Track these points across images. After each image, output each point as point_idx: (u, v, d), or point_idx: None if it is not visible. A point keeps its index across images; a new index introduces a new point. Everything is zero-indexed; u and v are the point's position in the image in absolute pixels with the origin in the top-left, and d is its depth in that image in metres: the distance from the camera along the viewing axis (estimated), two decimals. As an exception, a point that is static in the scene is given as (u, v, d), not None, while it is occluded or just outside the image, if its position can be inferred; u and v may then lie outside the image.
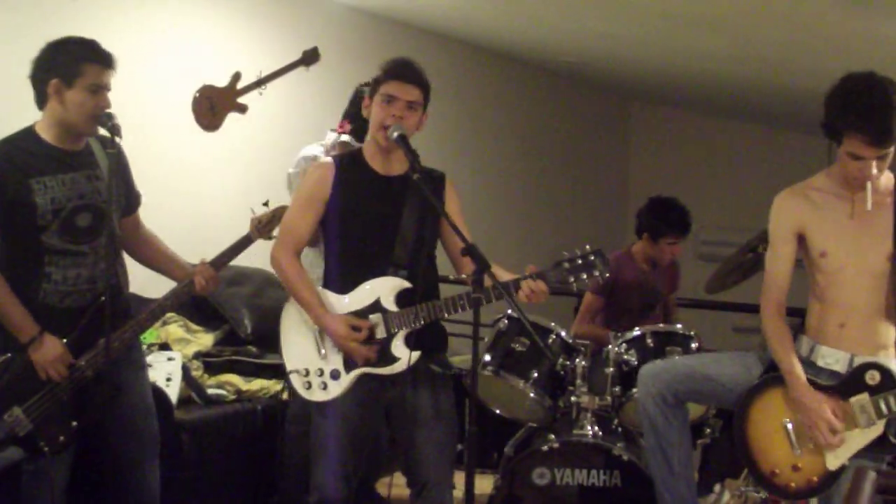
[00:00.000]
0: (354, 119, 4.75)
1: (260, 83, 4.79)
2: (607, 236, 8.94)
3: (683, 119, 10.86)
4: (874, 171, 3.47)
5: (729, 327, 5.21)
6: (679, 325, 4.95)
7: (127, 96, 3.83)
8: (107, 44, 3.72)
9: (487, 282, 3.38)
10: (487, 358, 4.70)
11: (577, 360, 4.69)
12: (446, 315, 3.71)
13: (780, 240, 3.73)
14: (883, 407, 3.51)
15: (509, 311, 4.70)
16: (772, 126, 10.29)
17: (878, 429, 3.53)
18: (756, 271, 4.60)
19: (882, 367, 3.53)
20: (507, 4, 6.90)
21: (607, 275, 3.62)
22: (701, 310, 6.46)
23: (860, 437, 3.56)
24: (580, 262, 3.59)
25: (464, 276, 3.65)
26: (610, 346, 4.73)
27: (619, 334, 4.84)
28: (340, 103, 5.06)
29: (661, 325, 4.98)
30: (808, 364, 3.71)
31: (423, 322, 3.68)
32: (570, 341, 4.79)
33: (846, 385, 3.59)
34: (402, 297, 3.73)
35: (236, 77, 4.76)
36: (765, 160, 10.05)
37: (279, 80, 4.87)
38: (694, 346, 4.76)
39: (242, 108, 4.79)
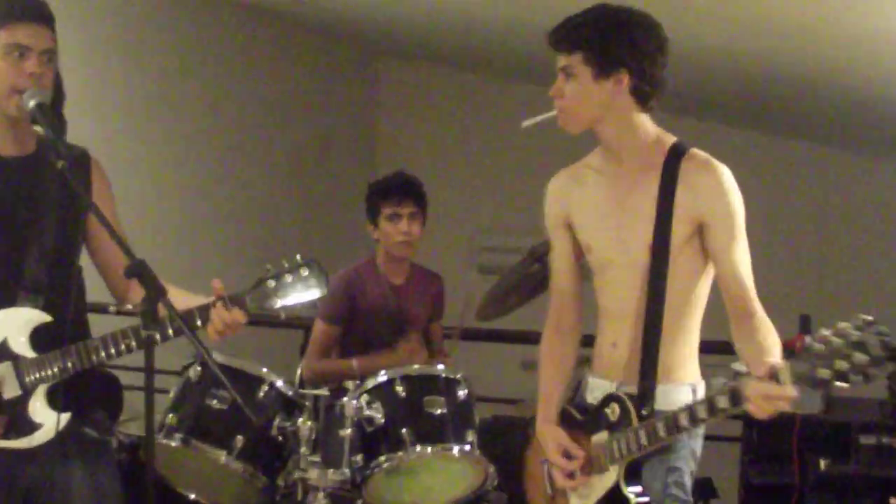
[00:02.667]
0: None
1: None
2: (354, 236, 7.94)
3: (446, 77, 10.17)
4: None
5: (516, 363, 4.70)
6: (441, 367, 4.42)
7: None
8: None
9: (163, 311, 2.94)
10: (173, 420, 4.09)
11: (301, 419, 4.08)
12: (106, 359, 3.17)
13: (552, 233, 3.54)
14: (615, 449, 3.26)
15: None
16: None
17: (611, 476, 3.28)
18: (545, 288, 4.10)
19: (623, 399, 3.26)
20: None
21: (325, 291, 3.23)
22: (478, 342, 5.81)
23: (599, 484, 3.34)
24: (289, 277, 3.20)
25: (129, 305, 3.27)
26: (345, 399, 4.15)
27: (358, 382, 4.29)
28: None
29: (415, 366, 4.42)
30: (582, 401, 3.54)
31: (72, 371, 3.14)
32: (290, 393, 4.19)
33: (590, 420, 3.37)
34: (41, 337, 3.19)
35: None
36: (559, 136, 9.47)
37: None
38: (462, 393, 4.25)
39: None
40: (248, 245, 7.83)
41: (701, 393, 3.33)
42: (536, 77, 9.27)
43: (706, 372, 3.35)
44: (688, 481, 3.32)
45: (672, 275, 3.24)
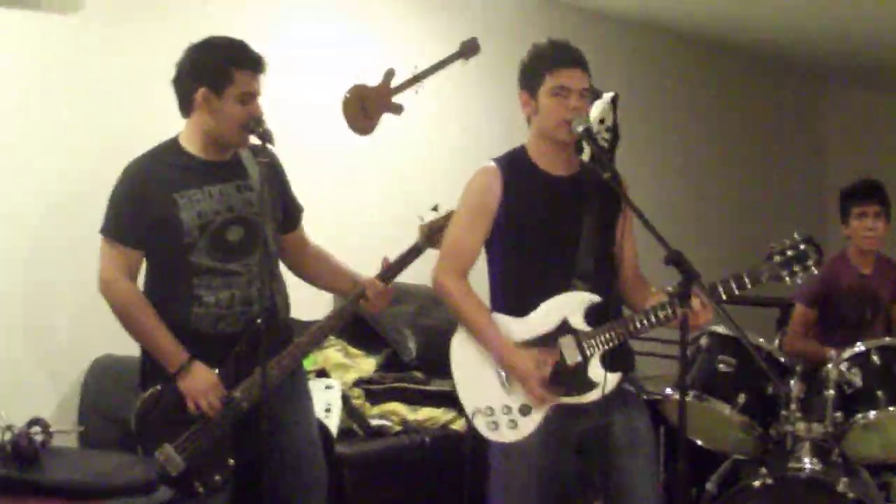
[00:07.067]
0: None
1: (415, 80, 4.75)
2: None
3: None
4: None
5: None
6: (909, 339, 4.67)
7: (266, 98, 3.76)
8: (248, 42, 3.72)
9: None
10: (687, 381, 4.53)
11: (791, 381, 4.50)
12: (643, 330, 3.61)
13: None
14: None
15: (710, 327, 4.61)
16: None
17: None
18: None
19: None
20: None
21: (820, 265, 3.52)
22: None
23: None
24: (790, 252, 3.51)
25: (668, 288, 3.51)
26: (829, 366, 4.54)
27: (839, 352, 4.64)
28: (503, 99, 4.83)
29: (887, 339, 4.69)
30: None
31: (618, 339, 3.59)
32: (782, 360, 4.63)
33: None
34: (591, 314, 3.62)
35: (389, 74, 4.71)
36: None
37: (436, 76, 4.81)
38: (928, 363, 4.49)
39: (398, 109, 4.76)
40: (724, 239, 8.65)
41: None
42: None
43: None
44: None
45: None
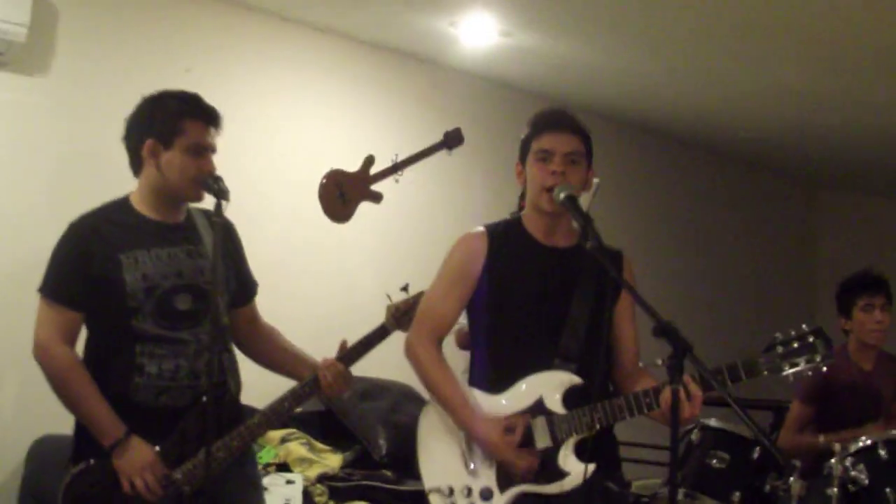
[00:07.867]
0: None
1: (396, 168, 4.63)
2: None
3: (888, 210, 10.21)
4: None
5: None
6: (916, 434, 4.47)
7: (244, 178, 3.61)
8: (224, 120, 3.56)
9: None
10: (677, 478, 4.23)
11: (791, 478, 4.31)
12: (631, 416, 3.32)
13: None
14: None
15: (701, 420, 4.48)
16: None
17: None
18: None
19: None
20: (668, 77, 6.68)
21: (830, 361, 3.25)
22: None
23: None
24: (797, 344, 3.25)
25: (658, 361, 3.11)
26: (833, 461, 4.33)
27: (843, 446, 4.45)
28: (488, 186, 4.69)
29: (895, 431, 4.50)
30: None
31: (598, 427, 3.29)
32: (780, 456, 4.51)
33: None
34: (572, 397, 3.36)
35: (369, 161, 4.58)
36: None
37: (418, 165, 4.72)
38: (937, 457, 4.32)
39: (377, 197, 4.60)
40: (714, 339, 8.15)
41: None
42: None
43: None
44: None
45: None
